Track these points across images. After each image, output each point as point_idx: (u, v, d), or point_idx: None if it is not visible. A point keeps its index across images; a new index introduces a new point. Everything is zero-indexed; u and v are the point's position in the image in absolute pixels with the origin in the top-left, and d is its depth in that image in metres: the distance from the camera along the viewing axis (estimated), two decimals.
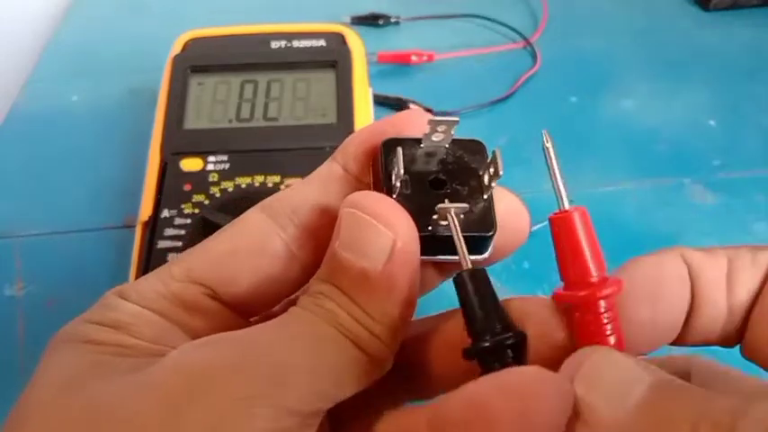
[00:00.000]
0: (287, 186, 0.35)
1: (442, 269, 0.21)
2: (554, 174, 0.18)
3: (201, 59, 0.41)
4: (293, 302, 0.18)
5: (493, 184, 0.19)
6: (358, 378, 0.17)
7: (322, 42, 0.42)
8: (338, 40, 0.42)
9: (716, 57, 0.54)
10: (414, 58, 0.53)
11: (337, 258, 0.17)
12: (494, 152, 0.19)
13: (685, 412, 0.14)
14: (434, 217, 0.18)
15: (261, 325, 0.17)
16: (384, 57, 0.53)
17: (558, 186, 0.18)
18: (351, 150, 0.20)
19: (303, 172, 0.35)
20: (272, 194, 0.33)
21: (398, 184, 0.18)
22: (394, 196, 0.18)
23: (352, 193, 0.18)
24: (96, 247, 0.40)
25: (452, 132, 0.19)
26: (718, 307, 0.17)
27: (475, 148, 0.20)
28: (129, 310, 0.18)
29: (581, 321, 0.17)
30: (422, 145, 0.19)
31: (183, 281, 0.19)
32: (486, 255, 0.19)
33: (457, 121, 0.19)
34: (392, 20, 0.57)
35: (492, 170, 0.19)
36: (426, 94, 0.49)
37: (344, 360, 0.17)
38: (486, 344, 0.17)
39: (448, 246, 0.18)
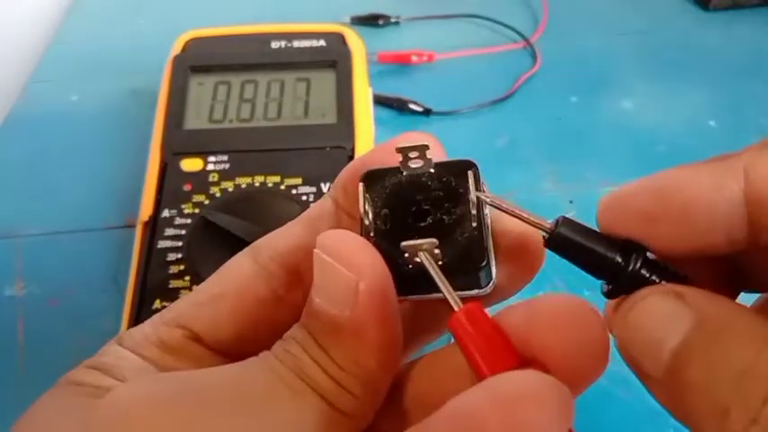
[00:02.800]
0: (286, 187, 0.35)
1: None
2: (437, 276, 0.16)
3: (202, 59, 0.41)
4: None
5: (486, 211, 0.17)
6: (320, 430, 0.16)
7: (322, 42, 0.42)
8: (338, 41, 0.42)
9: (716, 57, 0.54)
10: (414, 58, 0.53)
11: (311, 303, 0.16)
12: (474, 173, 0.17)
13: (728, 361, 0.13)
14: (406, 255, 0.17)
15: (220, 367, 0.17)
16: (384, 57, 0.53)
17: (446, 289, 0.16)
18: (341, 184, 0.19)
19: (303, 172, 0.35)
20: (271, 194, 0.34)
21: (367, 223, 0.17)
22: (371, 234, 0.17)
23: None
24: (97, 246, 0.40)
25: (429, 156, 0.18)
26: None
27: (464, 169, 0.18)
28: (118, 354, 0.18)
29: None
30: (404, 173, 0.18)
31: (170, 326, 0.19)
32: (486, 289, 0.17)
33: (427, 146, 0.18)
34: (392, 20, 0.57)
35: (476, 196, 0.17)
36: (426, 94, 0.49)
37: (303, 412, 0.15)
38: (633, 266, 0.16)
39: (435, 282, 0.16)
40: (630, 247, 0.17)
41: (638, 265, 0.16)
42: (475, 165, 0.18)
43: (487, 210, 0.18)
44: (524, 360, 0.15)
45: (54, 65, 0.55)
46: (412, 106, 0.48)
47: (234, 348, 0.19)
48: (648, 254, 0.16)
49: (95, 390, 0.17)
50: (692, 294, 0.15)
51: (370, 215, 0.17)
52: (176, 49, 0.42)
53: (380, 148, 0.19)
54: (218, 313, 0.19)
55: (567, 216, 0.17)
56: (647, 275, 0.16)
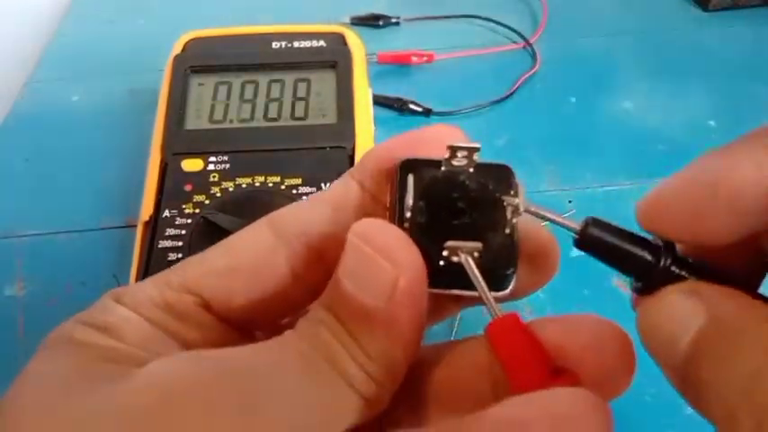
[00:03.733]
0: (286, 187, 0.35)
1: (461, 299, 0.20)
2: (478, 284, 0.17)
3: (202, 60, 0.41)
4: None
5: (514, 221, 0.18)
6: (346, 417, 0.16)
7: (322, 43, 0.42)
8: (338, 41, 0.42)
9: (716, 57, 0.55)
10: (414, 58, 0.53)
11: (340, 287, 0.16)
12: (515, 186, 0.18)
13: (738, 362, 0.13)
14: (445, 253, 0.17)
15: (248, 347, 0.16)
16: (384, 57, 0.53)
17: (486, 297, 0.17)
18: (368, 167, 0.19)
19: (303, 172, 0.35)
20: (272, 194, 0.34)
21: (409, 215, 0.17)
22: (406, 225, 0.17)
23: (364, 217, 0.17)
24: (97, 246, 0.40)
25: (474, 158, 0.18)
26: None
27: (501, 174, 0.18)
28: (120, 313, 0.18)
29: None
30: (443, 168, 0.18)
31: (179, 290, 0.18)
32: (507, 291, 0.18)
33: (478, 148, 0.18)
34: (392, 20, 0.58)
35: (513, 207, 0.18)
36: (426, 95, 0.49)
37: (331, 397, 0.16)
38: (663, 263, 0.16)
39: (464, 279, 0.17)
40: (659, 245, 0.17)
41: (669, 262, 0.17)
42: (512, 171, 0.19)
43: (515, 221, 0.18)
44: (558, 371, 0.16)
45: (54, 65, 0.55)
46: (412, 106, 0.48)
47: (242, 319, 0.19)
48: (678, 249, 0.17)
49: (107, 352, 0.17)
50: (707, 291, 0.15)
51: (409, 203, 0.17)
52: (177, 49, 0.42)
53: (408, 136, 0.19)
54: (233, 285, 0.18)
55: (595, 216, 0.17)
56: (678, 272, 0.17)
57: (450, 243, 0.17)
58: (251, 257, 0.19)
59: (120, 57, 0.55)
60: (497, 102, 0.50)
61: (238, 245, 0.19)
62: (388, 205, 0.18)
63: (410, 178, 0.18)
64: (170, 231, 0.33)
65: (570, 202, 0.42)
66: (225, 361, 0.16)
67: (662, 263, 0.16)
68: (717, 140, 0.51)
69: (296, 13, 0.56)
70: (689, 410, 0.19)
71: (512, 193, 0.18)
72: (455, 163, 0.18)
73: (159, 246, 0.32)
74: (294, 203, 0.20)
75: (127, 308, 0.18)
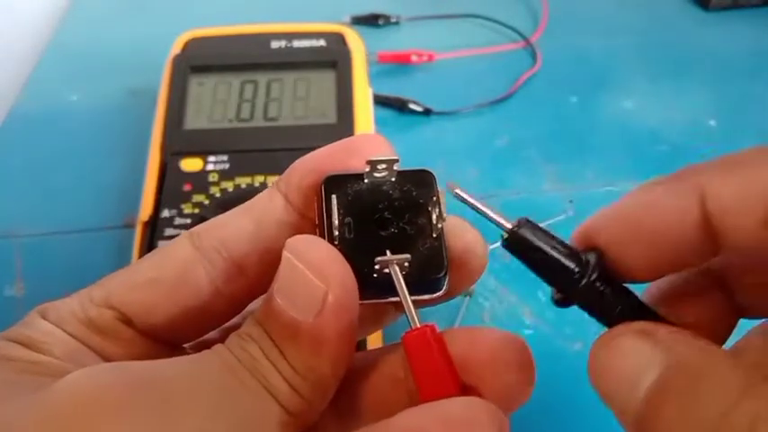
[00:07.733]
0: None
1: (399, 305, 0.20)
2: (402, 295, 0.17)
3: (201, 59, 0.41)
4: (230, 330, 0.18)
5: (440, 226, 0.18)
6: (269, 430, 0.16)
7: (322, 42, 0.42)
8: (338, 40, 0.42)
9: (716, 57, 0.54)
10: (414, 58, 0.53)
11: (272, 302, 0.16)
12: (436, 193, 0.18)
13: (704, 408, 0.13)
14: (377, 267, 0.17)
15: (173, 359, 0.16)
16: (384, 57, 0.53)
17: (407, 307, 0.17)
18: (294, 181, 0.19)
19: None
20: None
21: (337, 233, 0.17)
22: (335, 243, 0.17)
23: (292, 232, 0.17)
24: (96, 247, 0.40)
25: (395, 167, 0.18)
26: (747, 226, 0.15)
27: (423, 180, 0.19)
28: (44, 328, 0.18)
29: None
30: (365, 180, 0.18)
31: (101, 306, 0.18)
32: (440, 293, 0.18)
33: (397, 160, 0.18)
34: (392, 20, 0.57)
35: (438, 211, 0.18)
36: (426, 94, 0.49)
37: (256, 411, 0.16)
38: (586, 280, 0.16)
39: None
40: (588, 258, 0.17)
41: (594, 276, 0.17)
42: (434, 176, 0.19)
43: (441, 226, 0.18)
44: (465, 385, 0.16)
45: (54, 65, 0.55)
46: (412, 106, 0.48)
47: (164, 334, 0.19)
48: (601, 261, 0.17)
49: (31, 365, 0.17)
50: (661, 333, 0.15)
51: (336, 222, 0.17)
52: (176, 48, 0.42)
53: (333, 148, 0.20)
54: (152, 298, 0.18)
55: (529, 218, 0.17)
56: (601, 287, 0.17)
57: (380, 258, 0.17)
58: (171, 271, 0.19)
59: (119, 56, 0.54)
60: (498, 101, 0.50)
61: (159, 260, 0.19)
62: (316, 221, 0.19)
63: (334, 196, 0.18)
64: (169, 231, 0.33)
65: (571, 201, 0.42)
66: (145, 370, 0.16)
67: (585, 279, 0.16)
68: (717, 140, 0.51)
69: (295, 13, 0.56)
70: None
71: (434, 199, 0.18)
72: (377, 175, 0.18)
73: (158, 246, 0.32)
74: (217, 216, 0.20)
75: (51, 323, 0.18)
